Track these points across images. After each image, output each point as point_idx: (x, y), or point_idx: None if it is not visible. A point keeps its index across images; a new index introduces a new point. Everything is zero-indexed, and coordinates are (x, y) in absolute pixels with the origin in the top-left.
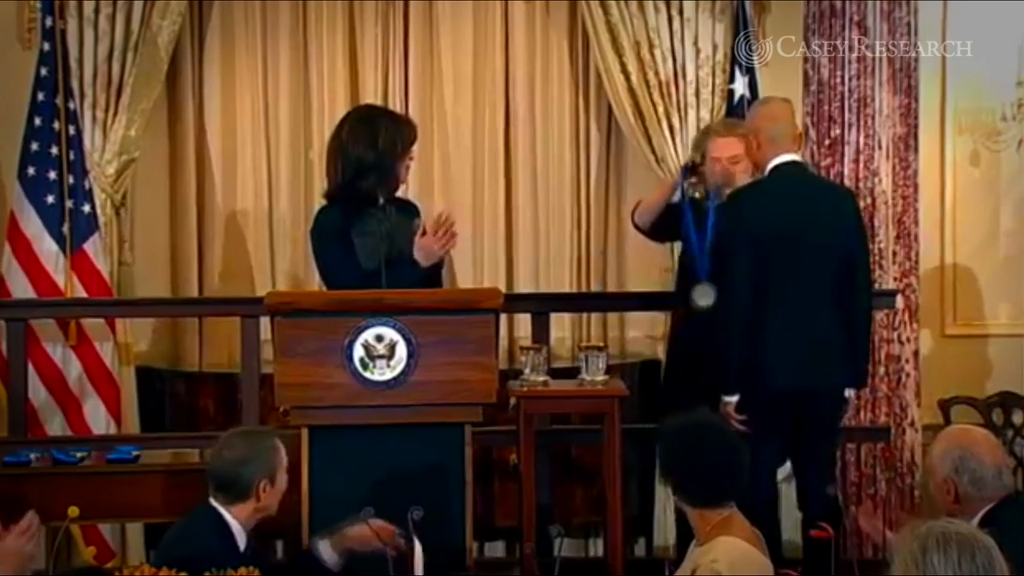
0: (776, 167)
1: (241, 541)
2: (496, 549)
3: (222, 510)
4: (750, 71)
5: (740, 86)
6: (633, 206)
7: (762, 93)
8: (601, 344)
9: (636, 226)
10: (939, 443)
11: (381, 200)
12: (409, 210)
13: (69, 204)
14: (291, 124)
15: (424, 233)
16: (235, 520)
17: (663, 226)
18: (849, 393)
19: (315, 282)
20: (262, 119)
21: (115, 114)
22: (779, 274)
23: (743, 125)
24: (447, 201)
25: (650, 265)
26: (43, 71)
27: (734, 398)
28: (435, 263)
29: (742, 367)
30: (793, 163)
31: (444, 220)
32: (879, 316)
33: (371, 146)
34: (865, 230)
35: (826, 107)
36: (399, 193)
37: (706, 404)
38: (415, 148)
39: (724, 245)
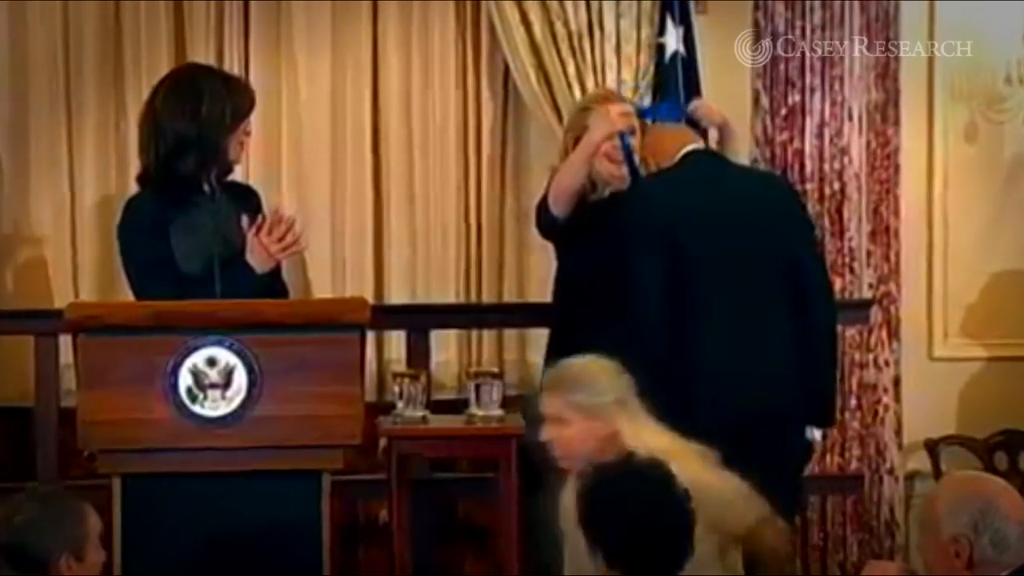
0: (687, 155)
1: None
2: None
3: None
4: (685, 21)
5: (673, 40)
6: (544, 188)
7: (700, 47)
8: (495, 370)
9: (550, 221)
10: (947, 492)
11: (208, 186)
12: (247, 198)
13: None
14: (98, 89)
15: (259, 230)
16: None
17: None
18: (813, 434)
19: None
20: (61, 80)
21: None
22: (704, 284)
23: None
24: (299, 192)
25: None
26: None
27: None
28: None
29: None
30: (706, 150)
31: (284, 219)
32: (850, 334)
33: (192, 117)
34: (812, 224)
35: (782, 66)
36: (235, 176)
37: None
38: (252, 120)
39: (626, 250)
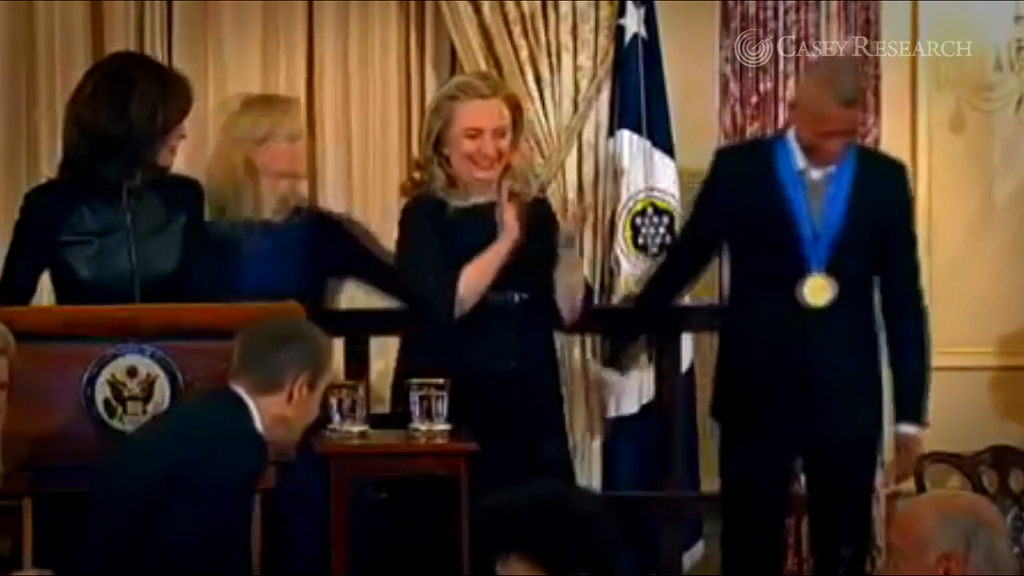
0: None
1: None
2: None
3: (245, 396)
4: (647, 1)
5: (633, 22)
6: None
7: (664, 31)
8: (441, 380)
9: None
10: (930, 509)
11: (128, 191)
12: (179, 195)
13: None
14: (9, 73)
15: None
16: (258, 413)
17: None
18: None
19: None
20: None
21: None
22: None
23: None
24: None
25: None
26: None
27: None
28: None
29: None
30: None
31: None
32: None
33: (119, 117)
34: None
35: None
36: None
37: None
38: (186, 123)
39: None
